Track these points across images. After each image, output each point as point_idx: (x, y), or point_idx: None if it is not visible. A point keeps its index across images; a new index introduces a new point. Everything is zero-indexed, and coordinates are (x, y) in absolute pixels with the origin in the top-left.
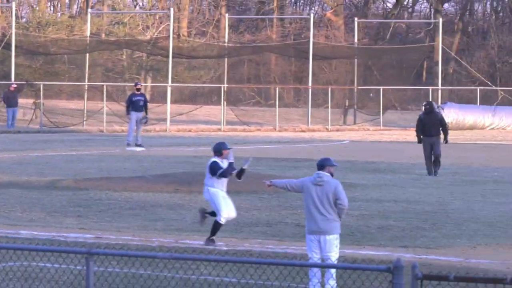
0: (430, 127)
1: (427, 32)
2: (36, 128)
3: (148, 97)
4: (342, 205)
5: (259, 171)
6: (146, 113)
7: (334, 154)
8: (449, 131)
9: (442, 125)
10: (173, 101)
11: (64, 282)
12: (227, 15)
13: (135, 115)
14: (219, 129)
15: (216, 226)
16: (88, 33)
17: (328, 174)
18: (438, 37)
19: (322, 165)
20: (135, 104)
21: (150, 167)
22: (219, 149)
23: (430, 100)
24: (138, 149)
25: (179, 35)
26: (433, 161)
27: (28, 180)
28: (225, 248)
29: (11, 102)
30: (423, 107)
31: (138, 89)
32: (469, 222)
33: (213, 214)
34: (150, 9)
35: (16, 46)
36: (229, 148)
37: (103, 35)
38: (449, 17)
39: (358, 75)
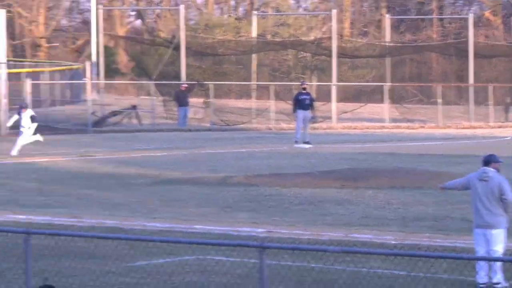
0: None
1: None
2: (207, 126)
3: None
4: (507, 200)
5: (425, 168)
6: (313, 111)
7: (497, 150)
8: None
9: None
10: (338, 100)
11: (239, 275)
12: (388, 15)
13: (302, 114)
14: (383, 127)
15: None
16: (254, 34)
17: (494, 170)
18: None
19: (488, 161)
20: (301, 102)
21: (317, 164)
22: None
23: None
24: (306, 146)
25: (341, 35)
26: None
27: (201, 176)
28: (393, 242)
29: (182, 101)
30: None
31: (304, 88)
32: None
33: None
34: (313, 11)
35: (185, 48)
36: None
37: (268, 36)
38: None
39: None
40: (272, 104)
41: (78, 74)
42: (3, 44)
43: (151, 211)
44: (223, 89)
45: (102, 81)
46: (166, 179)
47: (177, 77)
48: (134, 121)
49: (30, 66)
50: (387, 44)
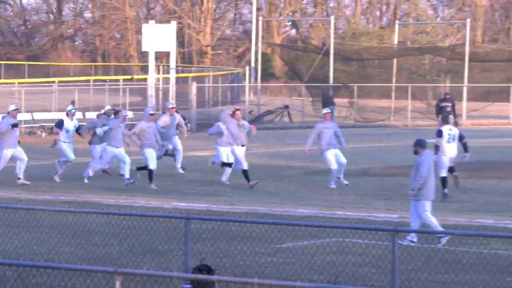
0: None
1: None
2: (351, 123)
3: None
4: None
5: None
6: (455, 116)
7: None
8: None
9: None
10: (469, 99)
11: (374, 256)
12: None
13: None
14: (508, 123)
15: None
16: (395, 41)
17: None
18: None
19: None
20: (442, 109)
21: None
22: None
23: None
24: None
25: (474, 42)
26: None
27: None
28: None
29: (328, 101)
30: None
31: (447, 95)
32: None
33: None
34: (449, 20)
35: (334, 54)
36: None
37: (408, 43)
38: None
39: None
40: (409, 103)
41: (238, 77)
42: (173, 52)
43: (299, 198)
44: (365, 90)
45: (259, 84)
46: (312, 170)
47: (326, 80)
48: (286, 119)
49: (196, 71)
50: None
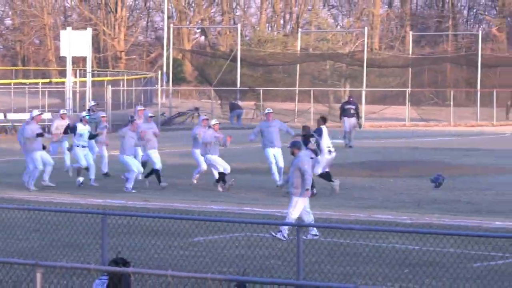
0: None
1: None
2: (257, 124)
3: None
4: None
5: (439, 159)
6: (358, 118)
7: (499, 144)
8: None
9: None
10: (367, 102)
11: (280, 249)
12: (411, 32)
13: (347, 120)
14: (404, 125)
15: None
16: (298, 48)
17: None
18: None
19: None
20: (346, 111)
21: (348, 157)
22: None
23: None
24: (338, 141)
25: (372, 49)
26: None
27: (254, 165)
28: (409, 221)
29: (234, 107)
30: None
31: (350, 98)
32: None
33: None
34: (348, 28)
35: (241, 59)
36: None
37: (310, 49)
38: None
39: None
40: (311, 106)
41: (151, 81)
42: (89, 57)
43: (210, 195)
44: (271, 93)
45: (170, 87)
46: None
47: (233, 84)
48: (196, 120)
49: (111, 75)
50: (409, 56)
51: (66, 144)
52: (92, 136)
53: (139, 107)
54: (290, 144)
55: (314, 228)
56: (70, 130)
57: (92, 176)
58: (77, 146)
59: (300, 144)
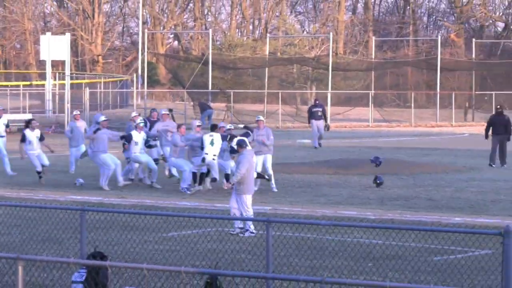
0: (498, 127)
1: None
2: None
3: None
4: None
5: (401, 158)
6: (326, 121)
7: (457, 144)
8: None
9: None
10: (332, 104)
11: (250, 243)
12: (373, 37)
13: (315, 123)
14: (368, 125)
15: None
16: (267, 52)
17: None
18: None
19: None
20: (314, 114)
21: (315, 155)
22: None
23: None
24: (306, 141)
25: (336, 53)
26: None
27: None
28: (373, 217)
29: (204, 107)
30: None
31: (316, 101)
32: None
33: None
34: (314, 33)
35: (212, 63)
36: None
37: (278, 54)
38: None
39: (476, 83)
40: (279, 108)
41: (127, 84)
42: (68, 60)
43: (181, 193)
44: (241, 95)
45: (145, 89)
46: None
47: (205, 86)
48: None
49: (89, 78)
50: (372, 60)
51: (82, 148)
52: (149, 145)
53: (164, 111)
54: (235, 142)
55: (251, 226)
56: (126, 139)
57: (154, 179)
58: (135, 153)
59: (245, 142)
